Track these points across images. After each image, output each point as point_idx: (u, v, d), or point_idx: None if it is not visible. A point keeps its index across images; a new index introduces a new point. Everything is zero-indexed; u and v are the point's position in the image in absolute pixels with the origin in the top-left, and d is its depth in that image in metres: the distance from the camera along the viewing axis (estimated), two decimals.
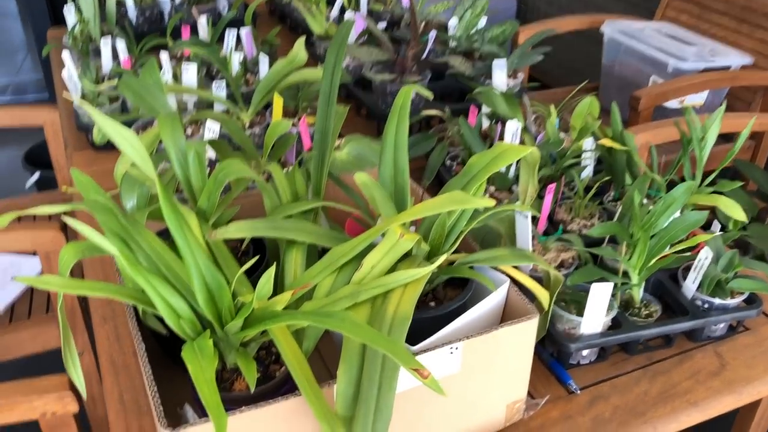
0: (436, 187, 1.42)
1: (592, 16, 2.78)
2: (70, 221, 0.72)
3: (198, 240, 0.76)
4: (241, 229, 0.78)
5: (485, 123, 1.48)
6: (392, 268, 0.75)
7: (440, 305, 0.86)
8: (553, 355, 1.02)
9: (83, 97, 1.53)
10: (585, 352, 1.01)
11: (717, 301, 1.03)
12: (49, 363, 1.97)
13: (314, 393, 0.70)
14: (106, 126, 0.69)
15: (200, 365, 0.64)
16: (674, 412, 0.95)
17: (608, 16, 3.04)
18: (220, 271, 0.77)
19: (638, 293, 1.03)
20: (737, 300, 1.05)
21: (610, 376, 1.01)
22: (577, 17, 2.88)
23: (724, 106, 1.15)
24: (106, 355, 1.04)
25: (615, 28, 2.54)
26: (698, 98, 2.45)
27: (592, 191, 1.18)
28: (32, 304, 1.71)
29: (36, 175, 2.72)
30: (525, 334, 0.85)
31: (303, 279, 0.77)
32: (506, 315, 0.91)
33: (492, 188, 1.28)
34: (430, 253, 0.85)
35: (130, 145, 0.70)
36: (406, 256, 0.76)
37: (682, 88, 2.23)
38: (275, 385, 0.79)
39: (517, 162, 1.26)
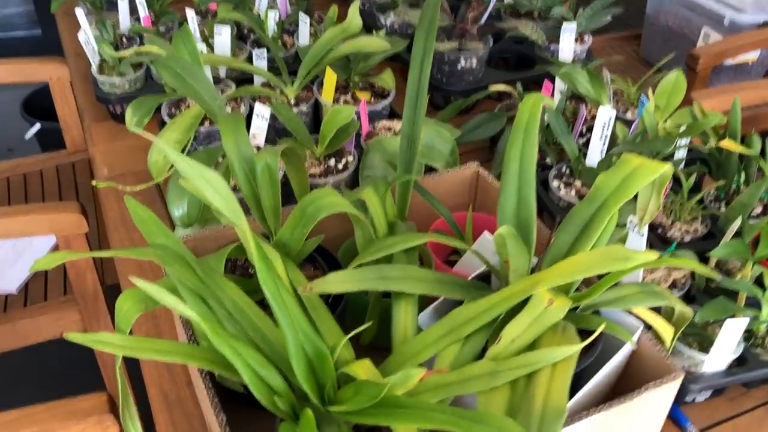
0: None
1: None
2: (144, 285, 0.57)
3: (293, 299, 0.62)
4: (343, 282, 0.64)
5: (557, 98, 1.32)
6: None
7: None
8: None
9: (103, 62, 1.35)
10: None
11: None
12: (67, 348, 1.86)
13: None
14: (186, 168, 0.54)
15: None
16: None
17: None
18: (320, 336, 0.63)
19: (765, 325, 0.91)
20: None
21: (730, 415, 0.90)
22: None
23: None
24: (156, 386, 0.92)
25: None
26: (751, 54, 2.28)
27: (701, 194, 1.04)
28: (47, 283, 1.57)
29: (36, 127, 2.53)
30: (665, 395, 0.72)
31: (415, 345, 0.63)
32: (636, 364, 0.79)
33: (578, 183, 1.13)
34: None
35: (215, 189, 0.55)
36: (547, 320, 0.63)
37: (745, 46, 2.04)
38: None
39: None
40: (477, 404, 0.59)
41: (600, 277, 0.76)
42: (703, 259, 0.99)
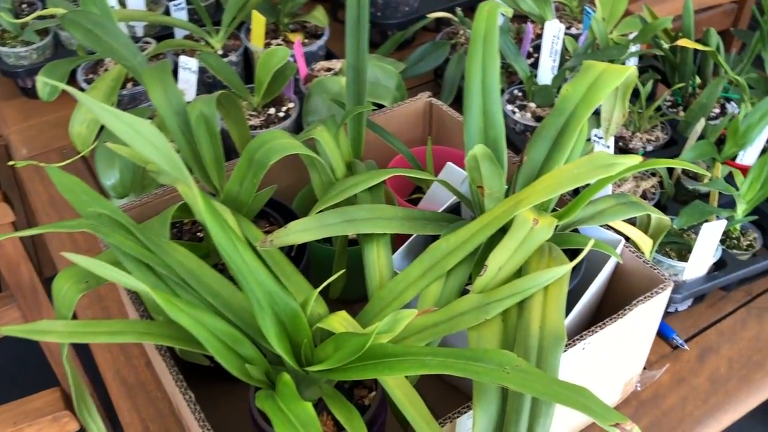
0: (457, 104, 1.21)
1: None
2: (81, 260, 0.50)
3: (253, 256, 0.55)
4: (305, 230, 0.57)
5: (500, 20, 1.26)
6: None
7: None
8: None
9: (3, 33, 1.23)
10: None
11: None
12: (12, 347, 1.74)
13: None
14: (114, 122, 0.46)
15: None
16: None
17: None
18: (288, 292, 0.57)
19: (738, 224, 0.89)
20: None
21: (713, 321, 0.88)
22: None
23: None
24: (112, 372, 0.84)
25: None
26: None
27: (658, 101, 1.00)
28: None
29: None
30: (656, 307, 0.69)
31: (394, 287, 0.57)
32: (621, 278, 0.75)
33: (533, 105, 1.08)
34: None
35: (150, 143, 0.47)
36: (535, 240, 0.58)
37: None
38: (367, 420, 0.61)
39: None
40: (468, 342, 0.54)
41: (576, 193, 0.72)
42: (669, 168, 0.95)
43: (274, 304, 0.54)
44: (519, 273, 0.57)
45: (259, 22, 1.11)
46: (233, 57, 1.16)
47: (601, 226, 0.73)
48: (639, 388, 0.80)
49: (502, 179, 0.61)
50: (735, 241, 0.90)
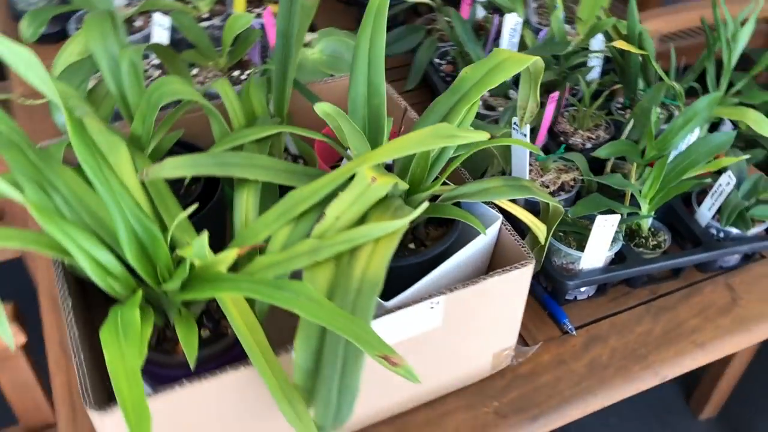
0: (423, 89, 1.26)
1: None
2: None
3: (124, 179, 0.62)
4: (178, 166, 0.64)
5: (480, 13, 1.30)
6: (362, 216, 0.62)
7: (421, 248, 0.74)
8: (547, 290, 0.92)
9: None
10: (584, 288, 0.91)
11: (735, 230, 0.91)
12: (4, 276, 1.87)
13: (270, 364, 0.59)
14: (2, 49, 0.54)
15: (120, 348, 0.52)
16: (678, 356, 0.86)
17: None
18: (155, 219, 0.64)
19: (647, 223, 0.91)
20: (758, 229, 0.93)
21: (610, 313, 0.91)
22: None
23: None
24: (46, 292, 0.93)
25: None
26: None
27: (600, 100, 1.03)
28: None
29: None
30: (518, 282, 0.73)
31: (254, 228, 0.64)
32: (498, 254, 0.80)
33: (486, 93, 1.12)
34: (410, 191, 0.72)
35: (22, 60, 0.55)
36: (386, 199, 0.63)
37: None
38: (227, 345, 0.68)
39: None
40: (303, 278, 0.60)
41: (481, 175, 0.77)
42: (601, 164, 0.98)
43: (136, 226, 0.61)
44: (362, 224, 0.62)
45: None
46: (216, 21, 1.23)
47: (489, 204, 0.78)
48: (514, 362, 0.84)
49: (363, 138, 0.66)
50: (643, 240, 0.92)
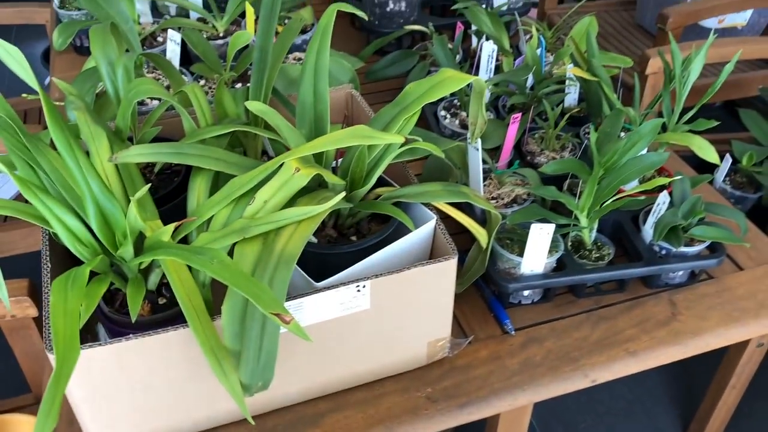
0: None
1: None
2: None
3: (93, 161, 0.74)
4: (142, 153, 0.75)
5: (474, 41, 1.39)
6: (290, 202, 0.72)
7: (361, 240, 0.83)
8: (493, 293, 0.99)
9: None
10: (527, 293, 0.98)
11: (675, 248, 0.97)
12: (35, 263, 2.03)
13: (203, 325, 0.68)
14: None
15: (65, 295, 0.63)
16: (610, 361, 0.92)
17: None
18: (122, 196, 0.75)
19: (588, 235, 0.98)
20: (699, 248, 0.98)
21: (552, 318, 0.98)
22: None
23: (711, 38, 1.05)
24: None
25: None
26: (740, 18, 2.26)
27: (563, 122, 1.10)
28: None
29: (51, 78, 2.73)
30: (443, 275, 0.81)
31: (202, 209, 0.74)
32: (435, 252, 0.88)
33: (464, 114, 1.21)
34: (352, 188, 0.81)
35: (12, 57, 0.67)
36: (322, 190, 0.73)
37: (717, 7, 2.05)
38: (178, 312, 0.78)
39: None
40: (234, 252, 0.70)
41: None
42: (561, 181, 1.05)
43: (101, 200, 0.73)
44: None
45: (250, 12, 1.31)
46: (229, 39, 1.36)
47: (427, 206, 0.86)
48: (449, 354, 0.91)
49: (298, 134, 0.76)
50: (586, 252, 0.99)
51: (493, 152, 1.11)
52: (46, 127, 0.76)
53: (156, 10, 1.47)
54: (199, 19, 1.41)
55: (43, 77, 2.79)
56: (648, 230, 0.99)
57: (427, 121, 1.24)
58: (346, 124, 1.11)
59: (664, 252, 0.98)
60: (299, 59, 1.30)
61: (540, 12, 2.42)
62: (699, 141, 0.96)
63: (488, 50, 1.17)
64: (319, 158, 0.80)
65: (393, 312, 0.82)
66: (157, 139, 0.89)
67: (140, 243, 0.75)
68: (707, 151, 0.96)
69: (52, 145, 0.77)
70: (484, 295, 0.99)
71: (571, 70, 1.02)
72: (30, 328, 1.22)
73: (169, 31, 1.21)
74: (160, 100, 1.18)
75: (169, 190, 0.88)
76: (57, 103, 1.09)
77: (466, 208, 0.97)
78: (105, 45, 0.91)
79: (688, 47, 1.75)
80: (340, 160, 0.84)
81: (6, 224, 1.67)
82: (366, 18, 0.93)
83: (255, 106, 0.76)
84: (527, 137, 1.15)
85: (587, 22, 1.32)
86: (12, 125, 0.76)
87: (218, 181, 0.80)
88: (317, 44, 0.80)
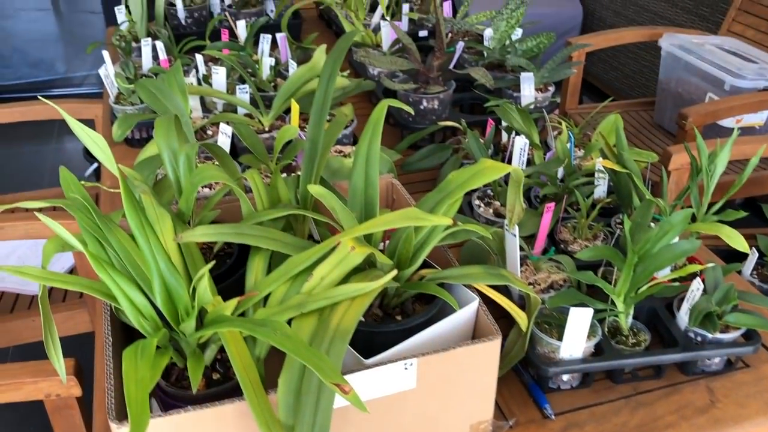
0: None
1: (652, 29, 2.69)
2: (42, 217, 0.76)
3: (160, 240, 0.79)
4: (206, 234, 0.80)
5: (505, 136, 1.46)
6: (344, 279, 0.76)
7: (407, 320, 0.86)
8: (533, 377, 1.00)
9: (119, 95, 1.61)
10: (566, 377, 0.99)
11: (710, 334, 0.99)
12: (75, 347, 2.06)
13: (258, 398, 0.71)
14: (75, 127, 0.73)
15: (135, 363, 0.66)
16: None
17: (673, 28, 2.93)
18: (183, 273, 0.80)
19: (625, 321, 1.00)
20: (734, 335, 1.00)
21: (591, 403, 0.99)
22: (637, 29, 2.80)
23: (735, 134, 1.11)
24: (101, 340, 1.09)
25: (673, 42, 2.45)
26: (757, 118, 2.34)
27: (595, 212, 1.15)
28: None
29: (94, 166, 2.86)
30: (487, 355, 0.84)
31: (260, 286, 0.78)
32: (477, 333, 0.90)
33: (497, 203, 1.26)
34: (399, 268, 0.86)
35: (96, 144, 0.74)
36: (372, 269, 0.77)
37: (735, 108, 2.13)
38: (233, 386, 0.81)
39: None
40: (292, 326, 0.74)
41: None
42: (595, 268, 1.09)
43: (167, 277, 0.77)
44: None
45: (295, 109, 1.39)
46: (275, 133, 1.45)
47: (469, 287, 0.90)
48: None
49: (351, 215, 0.81)
50: (623, 338, 1.01)
51: (528, 240, 1.15)
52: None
53: (204, 106, 1.57)
54: (245, 115, 1.50)
55: (85, 169, 2.92)
56: (683, 317, 1.01)
57: (463, 210, 1.29)
58: (390, 209, 1.16)
59: (699, 338, 1.00)
60: (340, 152, 1.37)
61: (561, 111, 2.53)
62: (728, 230, 1.00)
63: (520, 144, 1.24)
64: (368, 239, 0.85)
65: (438, 391, 0.84)
66: (213, 222, 0.95)
67: (199, 319, 0.79)
68: (736, 240, 1.00)
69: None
70: (524, 379, 1.01)
71: (601, 162, 1.07)
72: (73, 408, 1.25)
73: (221, 124, 1.29)
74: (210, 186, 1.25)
75: (222, 271, 0.93)
76: (111, 189, 1.17)
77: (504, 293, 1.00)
78: (168, 135, 0.99)
79: (711, 144, 1.83)
80: (387, 241, 0.89)
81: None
82: (412, 113, 1.00)
83: (315, 190, 0.82)
84: (560, 226, 1.19)
85: (613, 119, 1.39)
86: (86, 206, 0.82)
87: (272, 260, 0.85)
88: (369, 135, 0.86)
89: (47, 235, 1.54)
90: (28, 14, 4.79)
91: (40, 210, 0.97)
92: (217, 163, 1.07)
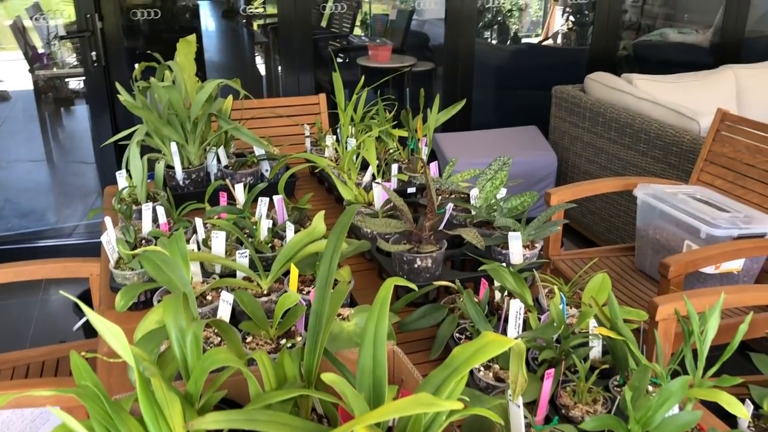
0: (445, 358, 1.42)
1: (627, 179, 2.83)
2: (55, 411, 0.77)
3: (175, 428, 0.79)
4: (217, 422, 0.81)
5: (498, 295, 1.50)
6: None
7: None
8: None
9: (119, 260, 1.64)
10: None
11: None
12: None
13: None
14: (95, 320, 0.75)
15: None
16: None
17: (645, 177, 3.09)
18: None
19: None
20: None
21: None
22: (612, 180, 2.94)
23: (722, 298, 1.15)
24: None
25: (647, 192, 2.57)
26: (735, 264, 2.42)
27: (594, 376, 1.17)
28: None
29: (83, 320, 2.84)
30: None
31: None
32: None
33: (497, 366, 1.28)
34: None
35: (113, 335, 0.76)
36: None
37: (714, 257, 2.21)
38: None
39: None
40: None
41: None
42: None
43: None
44: None
45: (294, 272, 1.43)
46: (273, 296, 1.47)
47: None
48: None
49: (362, 401, 0.82)
50: None
51: (529, 406, 1.16)
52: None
53: (204, 269, 1.60)
54: (244, 278, 1.54)
55: (72, 321, 2.90)
56: None
57: None
58: (394, 380, 1.17)
59: None
60: (339, 314, 1.40)
61: (545, 255, 2.60)
62: (727, 397, 1.02)
63: (515, 308, 1.27)
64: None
65: None
66: (223, 401, 0.95)
67: None
68: (736, 407, 1.02)
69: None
70: None
71: (595, 329, 1.10)
72: None
73: (223, 292, 1.32)
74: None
75: None
76: (105, 358, 1.17)
77: None
78: (176, 314, 1.01)
79: (695, 295, 1.88)
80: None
81: None
82: (416, 289, 1.04)
83: (329, 378, 0.83)
84: (560, 390, 1.20)
85: (600, 279, 1.44)
86: (98, 394, 0.82)
87: None
88: (376, 314, 0.89)
89: (38, 404, 1.52)
90: (22, 165, 4.92)
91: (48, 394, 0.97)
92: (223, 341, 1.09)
